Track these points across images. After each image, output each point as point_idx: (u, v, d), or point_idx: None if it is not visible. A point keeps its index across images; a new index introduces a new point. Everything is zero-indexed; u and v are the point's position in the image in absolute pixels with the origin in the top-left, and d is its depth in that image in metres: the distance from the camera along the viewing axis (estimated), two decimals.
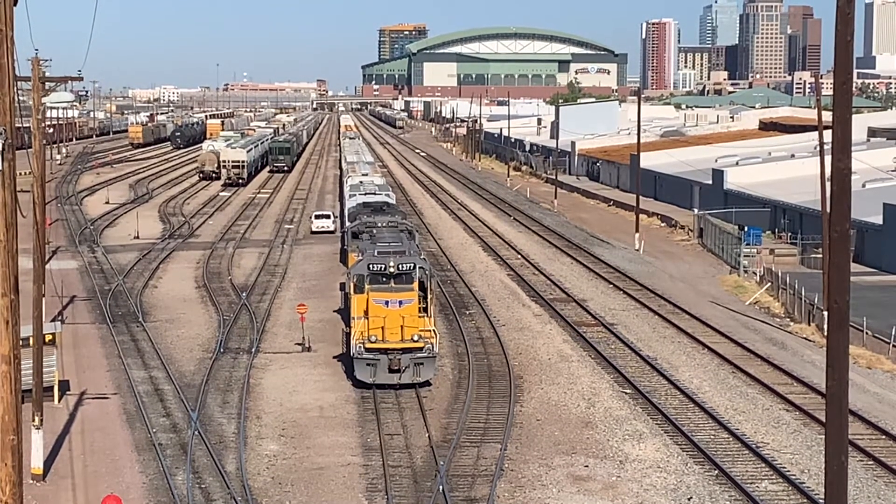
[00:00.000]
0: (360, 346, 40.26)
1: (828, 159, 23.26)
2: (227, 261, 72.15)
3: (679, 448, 34.45)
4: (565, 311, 55.38)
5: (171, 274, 67.63)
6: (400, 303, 40.42)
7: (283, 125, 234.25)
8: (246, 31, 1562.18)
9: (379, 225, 54.43)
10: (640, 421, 37.24)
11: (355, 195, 68.56)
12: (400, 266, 40.98)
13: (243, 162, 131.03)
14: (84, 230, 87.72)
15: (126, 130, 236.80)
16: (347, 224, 63.08)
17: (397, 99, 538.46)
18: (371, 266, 41.10)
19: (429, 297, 41.71)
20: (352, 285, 41.92)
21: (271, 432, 36.14)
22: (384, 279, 40.88)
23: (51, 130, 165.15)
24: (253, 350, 46.84)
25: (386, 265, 40.90)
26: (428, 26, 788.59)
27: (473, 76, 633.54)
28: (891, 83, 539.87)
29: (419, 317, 40.65)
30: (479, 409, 38.49)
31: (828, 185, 19.23)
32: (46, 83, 43.92)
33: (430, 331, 40.66)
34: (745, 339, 49.35)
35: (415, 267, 41.29)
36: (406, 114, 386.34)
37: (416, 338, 40.06)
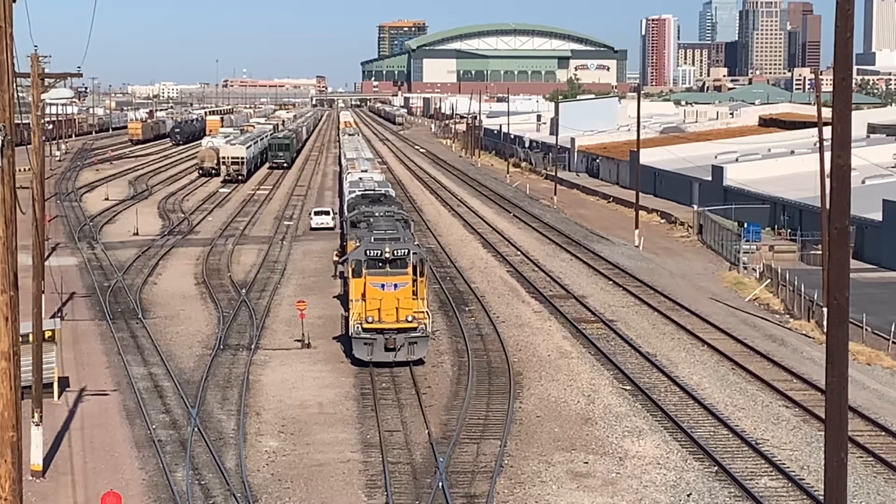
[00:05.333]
0: (357, 327, 42.60)
1: (827, 156, 23.26)
2: (226, 257, 72.15)
3: (679, 444, 34.47)
4: (565, 307, 55.39)
5: (170, 270, 67.63)
6: (395, 286, 43.01)
7: (283, 121, 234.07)
8: (245, 27, 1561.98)
9: (376, 214, 55.73)
10: (639, 417, 37.25)
11: (354, 191, 68.61)
12: (395, 252, 43.49)
13: (242, 158, 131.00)
14: (83, 227, 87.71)
15: (125, 127, 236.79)
16: (346, 214, 64.39)
17: (397, 95, 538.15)
18: (368, 252, 43.56)
19: (419, 280, 43.98)
20: (350, 270, 44.59)
21: (271, 429, 36.16)
22: (380, 264, 43.40)
23: (50, 127, 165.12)
24: (252, 347, 46.85)
25: (382, 251, 43.39)
26: (427, 22, 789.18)
27: (473, 72, 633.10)
28: (890, 79, 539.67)
29: (413, 299, 43.17)
30: (479, 405, 38.51)
31: (827, 181, 19.23)
32: (46, 80, 43.92)
33: (423, 312, 43.13)
34: (744, 336, 49.36)
35: (409, 252, 43.73)
36: (405, 110, 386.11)
37: (410, 318, 42.55)
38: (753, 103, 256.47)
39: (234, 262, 70.60)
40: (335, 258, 65.34)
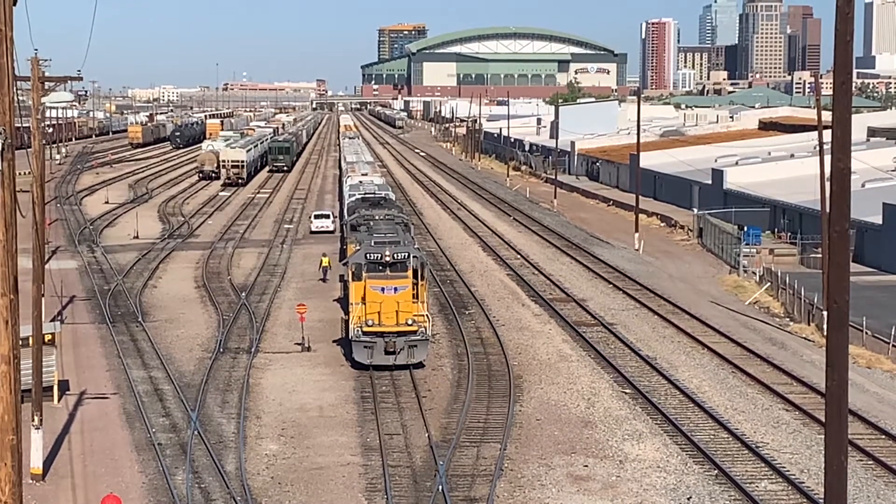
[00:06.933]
0: (357, 330, 42.63)
1: (827, 159, 23.26)
2: (226, 261, 72.15)
3: (679, 448, 34.45)
4: (565, 310, 55.38)
5: (170, 274, 67.62)
6: (395, 289, 43.01)
7: (283, 125, 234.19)
8: (245, 30, 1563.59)
9: (376, 218, 55.73)
10: (639, 421, 37.24)
11: (355, 195, 68.69)
12: (395, 255, 43.52)
13: (243, 162, 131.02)
14: (83, 230, 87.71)
15: (125, 130, 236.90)
16: (346, 217, 64.41)
17: (397, 99, 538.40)
18: (368, 255, 43.58)
19: (419, 283, 44.02)
20: (350, 273, 44.72)
21: (271, 432, 36.14)
22: (380, 267, 43.40)
23: (50, 130, 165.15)
24: (252, 350, 46.84)
25: (382, 254, 43.45)
26: (427, 26, 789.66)
27: (473, 76, 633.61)
28: (890, 83, 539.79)
29: (413, 302, 43.15)
30: (479, 408, 38.50)
31: (827, 184, 19.24)
32: (46, 83, 43.94)
33: (423, 315, 43.13)
34: (744, 339, 49.35)
35: (409, 256, 43.76)
36: (405, 114, 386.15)
37: (410, 322, 42.60)
38: (753, 107, 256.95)
39: (234, 265, 70.60)
40: (322, 263, 65.15)
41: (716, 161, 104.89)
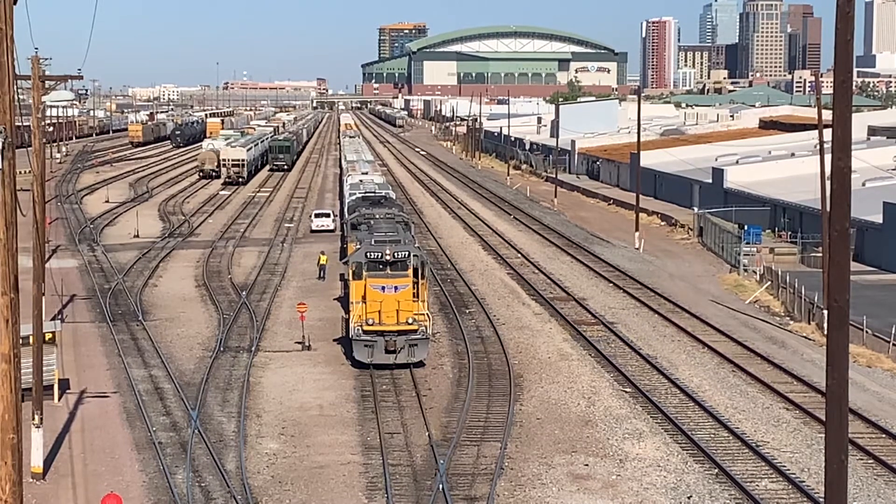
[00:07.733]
0: (358, 329, 42.67)
1: (828, 158, 23.26)
2: (226, 259, 72.14)
3: (679, 447, 34.45)
4: (565, 309, 55.38)
5: (170, 272, 67.62)
6: (395, 288, 43.06)
7: (283, 124, 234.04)
8: (246, 29, 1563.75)
9: (377, 216, 55.72)
10: (640, 419, 37.25)
11: (355, 194, 68.72)
12: (395, 254, 43.56)
13: (243, 161, 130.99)
14: (84, 229, 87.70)
15: (126, 129, 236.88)
16: (347, 216, 64.43)
17: (397, 98, 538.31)
18: (368, 254, 43.63)
19: (419, 282, 44.06)
20: (350, 272, 44.80)
21: (271, 431, 36.15)
22: (381, 266, 43.47)
23: (50, 129, 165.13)
24: (253, 349, 46.84)
25: (382, 253, 43.49)
26: (428, 25, 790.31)
27: (473, 75, 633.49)
28: (891, 82, 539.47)
29: (413, 301, 43.21)
30: (479, 407, 38.50)
31: (828, 183, 19.24)
32: (46, 82, 43.91)
33: (423, 314, 43.18)
34: (744, 338, 49.34)
35: (409, 255, 43.80)
36: (406, 112, 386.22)
37: (410, 321, 42.59)
38: (754, 105, 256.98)
39: (234, 264, 70.59)
40: (321, 261, 65.18)
41: (716, 160, 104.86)
